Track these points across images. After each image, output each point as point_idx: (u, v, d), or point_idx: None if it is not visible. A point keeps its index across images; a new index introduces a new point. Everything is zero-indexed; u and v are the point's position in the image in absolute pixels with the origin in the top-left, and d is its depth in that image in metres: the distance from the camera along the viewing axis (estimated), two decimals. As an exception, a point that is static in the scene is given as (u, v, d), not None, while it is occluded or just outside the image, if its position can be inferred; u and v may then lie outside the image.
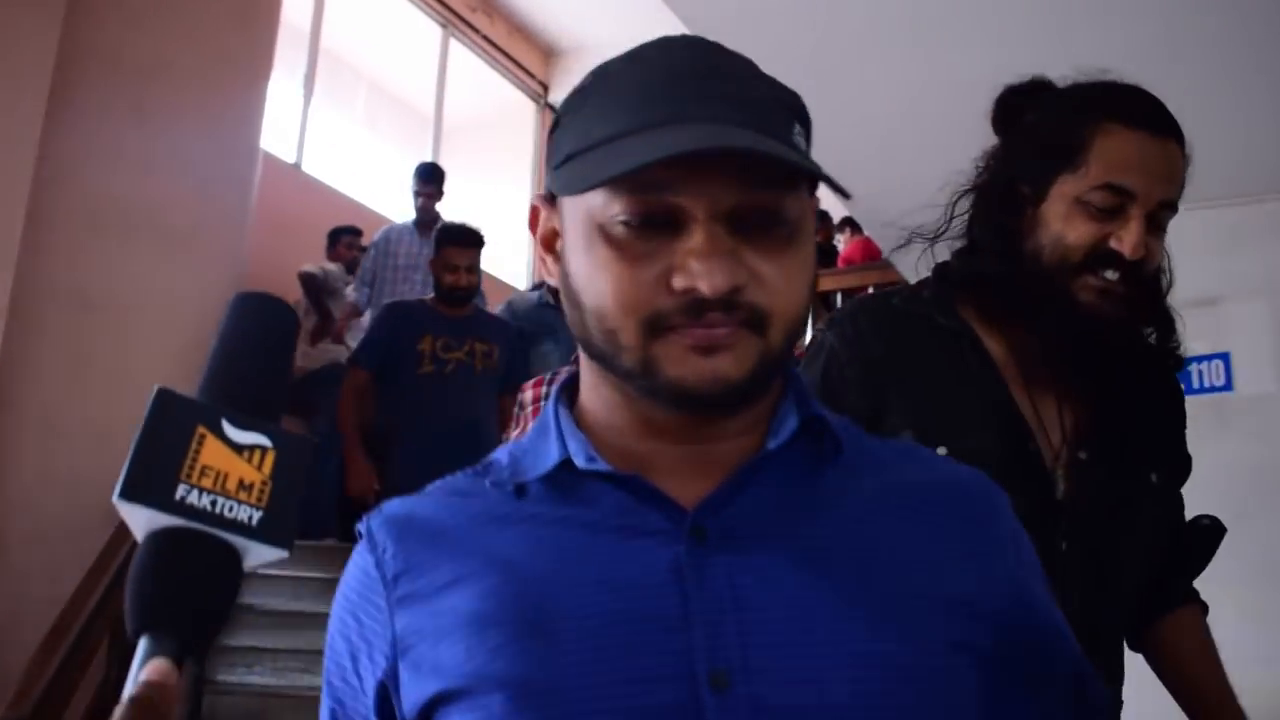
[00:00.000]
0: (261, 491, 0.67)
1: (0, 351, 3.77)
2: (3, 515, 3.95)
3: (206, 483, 0.66)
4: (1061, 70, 1.45)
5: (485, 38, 9.37)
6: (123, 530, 3.98)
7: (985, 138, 1.54)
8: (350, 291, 6.31)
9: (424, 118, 9.28)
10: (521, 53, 9.80)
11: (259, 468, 0.68)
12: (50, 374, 4.17)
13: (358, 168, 8.65)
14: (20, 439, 4.03)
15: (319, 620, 5.09)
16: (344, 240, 6.71)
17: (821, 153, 0.90)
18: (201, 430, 0.67)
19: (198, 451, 0.66)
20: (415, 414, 4.15)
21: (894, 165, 3.34)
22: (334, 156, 8.29)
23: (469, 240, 4.47)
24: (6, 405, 3.89)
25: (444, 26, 9.10)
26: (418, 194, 6.20)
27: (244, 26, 5.05)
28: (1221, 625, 3.09)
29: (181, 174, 4.66)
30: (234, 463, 0.67)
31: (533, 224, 0.94)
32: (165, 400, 0.67)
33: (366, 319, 5.79)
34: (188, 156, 4.70)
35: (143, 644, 0.63)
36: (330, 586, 4.19)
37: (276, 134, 7.47)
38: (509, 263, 9.40)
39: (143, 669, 0.62)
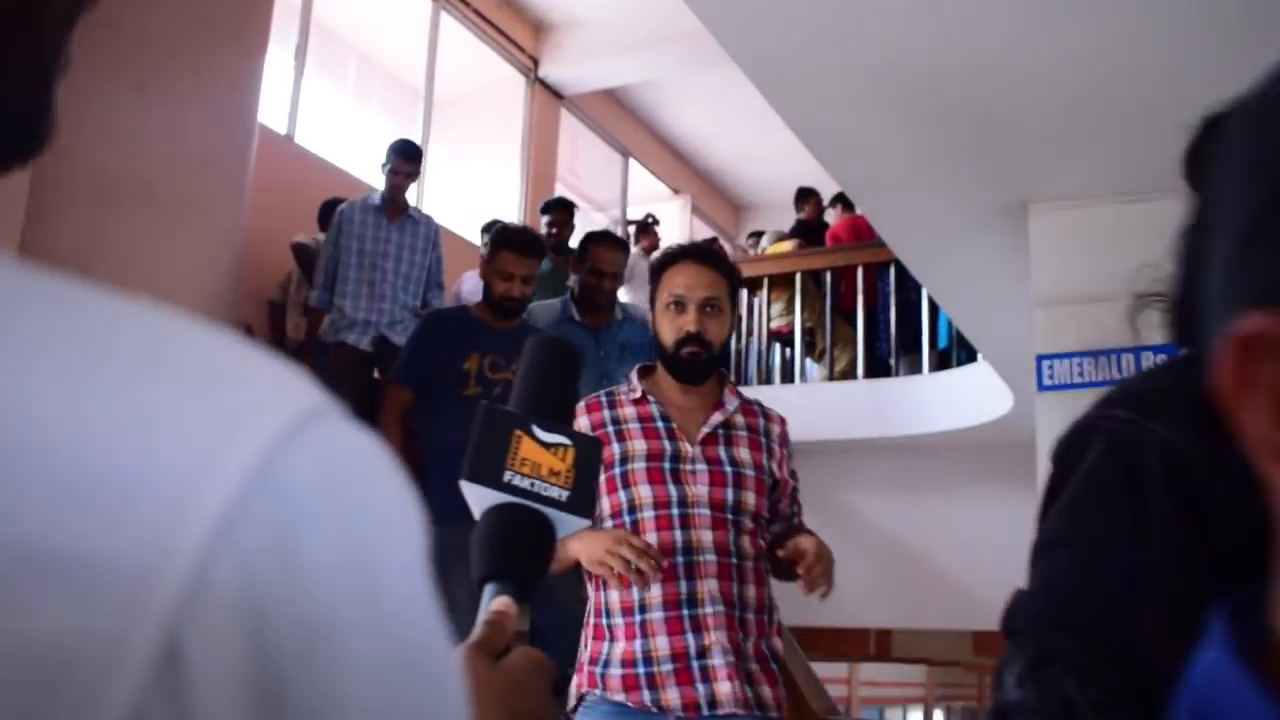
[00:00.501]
0: (567, 477, 0.88)
1: (3, 321, 3.80)
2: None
3: (526, 470, 0.87)
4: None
5: (476, 10, 9.37)
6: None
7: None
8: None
9: (414, 91, 9.30)
10: (512, 26, 9.81)
11: (563, 460, 0.89)
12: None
13: (349, 140, 8.67)
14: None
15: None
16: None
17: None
18: (518, 433, 0.88)
19: (517, 448, 0.88)
20: (456, 439, 3.99)
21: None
22: (326, 128, 8.30)
23: (531, 249, 4.17)
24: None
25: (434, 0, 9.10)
26: (395, 172, 5.63)
27: (238, 3, 5.06)
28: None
29: (180, 146, 4.68)
30: (545, 456, 0.88)
31: None
32: (491, 412, 0.89)
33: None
34: (186, 129, 4.72)
35: (488, 589, 0.85)
36: None
37: (269, 106, 7.49)
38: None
39: (491, 604, 0.84)
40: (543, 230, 6.35)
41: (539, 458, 0.88)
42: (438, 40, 9.22)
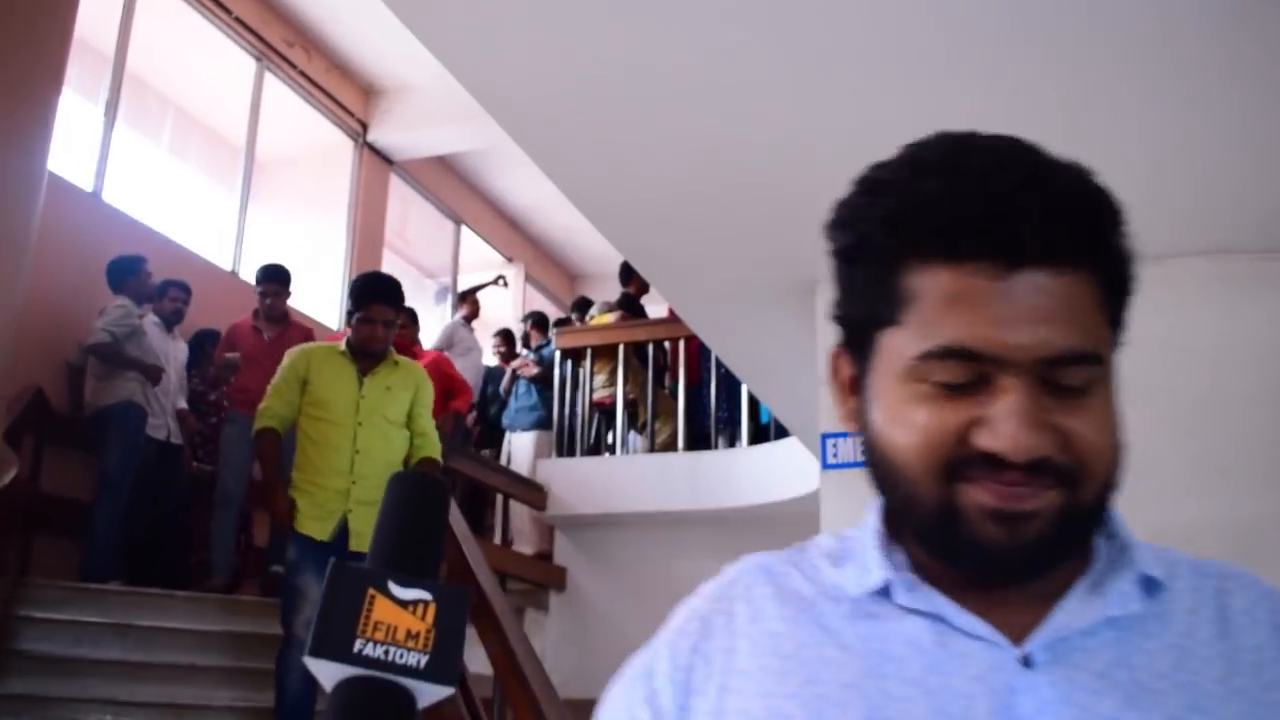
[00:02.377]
0: (426, 638, 0.80)
1: None
2: None
3: (379, 635, 0.79)
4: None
5: (302, 73, 9.23)
6: None
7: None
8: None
9: (236, 149, 9.08)
10: (340, 90, 9.69)
11: (422, 618, 0.80)
12: None
13: (163, 200, 8.40)
14: None
15: (96, 667, 4.92)
16: (171, 293, 6.78)
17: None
18: (372, 592, 0.80)
19: (370, 610, 0.80)
20: None
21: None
22: (138, 187, 8.03)
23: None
24: None
25: (258, 59, 8.93)
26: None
27: (30, 45, 4.85)
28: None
29: (-45, 198, 4.45)
30: (401, 616, 0.80)
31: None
32: (340, 571, 0.81)
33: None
34: (-38, 180, 4.49)
35: None
36: (111, 631, 4.05)
37: (74, 161, 7.21)
38: (319, 302, 9.24)
39: None
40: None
41: (395, 619, 0.80)
42: (261, 100, 9.04)
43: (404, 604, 0.81)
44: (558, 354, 8.44)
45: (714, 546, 7.57)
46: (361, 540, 4.16)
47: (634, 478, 7.76)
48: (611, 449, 8.25)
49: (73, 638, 5.22)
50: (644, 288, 8.86)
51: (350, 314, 4.58)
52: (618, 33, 2.57)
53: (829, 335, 2.89)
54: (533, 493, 7.89)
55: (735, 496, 7.22)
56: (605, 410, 8.34)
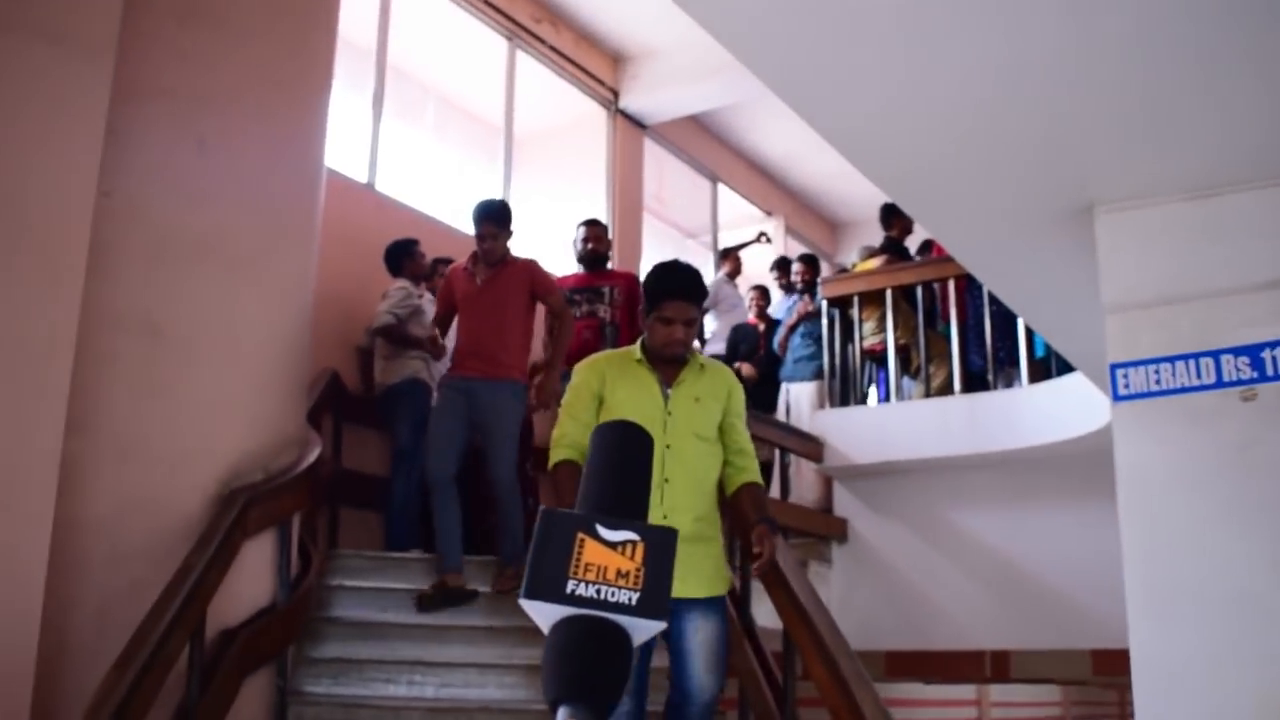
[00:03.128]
0: (636, 577, 0.82)
1: (72, 380, 3.86)
2: (85, 539, 4.05)
3: (590, 576, 0.82)
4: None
5: (552, 48, 9.41)
6: (199, 548, 4.06)
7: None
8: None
9: (494, 129, 9.35)
10: (590, 60, 9.83)
11: (631, 558, 0.83)
12: (122, 401, 4.27)
13: (430, 184, 8.74)
14: (96, 465, 4.13)
15: (403, 631, 5.19)
16: (441, 269, 6.83)
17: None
18: (581, 535, 0.83)
19: (580, 553, 0.82)
20: None
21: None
22: (407, 174, 8.39)
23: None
24: (81, 431, 3.99)
25: (509, 39, 9.15)
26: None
27: (300, 49, 5.11)
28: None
29: (244, 200, 4.74)
30: (611, 557, 0.83)
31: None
32: (549, 517, 0.84)
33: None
34: (249, 182, 4.78)
35: (560, 712, 0.80)
36: (414, 596, 4.35)
37: (348, 155, 7.59)
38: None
39: None
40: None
41: (605, 560, 0.83)
42: (515, 78, 9.27)
43: (613, 545, 0.83)
44: (824, 303, 8.32)
45: (998, 491, 7.35)
46: (686, 586, 3.54)
47: (911, 424, 7.59)
48: (886, 396, 8.09)
49: (379, 604, 5.53)
50: (907, 230, 8.63)
51: (646, 312, 3.89)
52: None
53: (1111, 258, 2.73)
54: (809, 444, 7.83)
55: (1018, 438, 6.96)
56: (877, 357, 8.18)
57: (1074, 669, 9.75)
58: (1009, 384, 7.48)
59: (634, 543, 0.83)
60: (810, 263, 9.26)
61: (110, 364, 4.21)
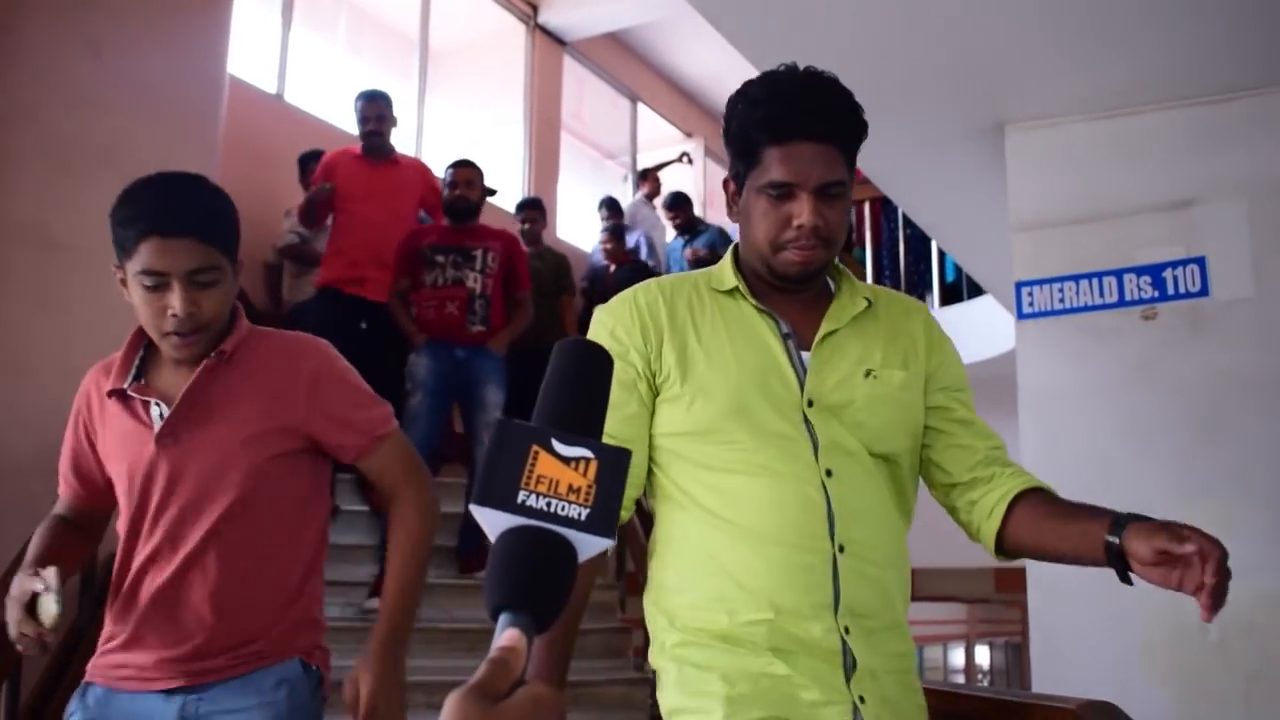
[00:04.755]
0: (587, 493, 0.82)
1: (-39, 292, 3.73)
2: (-25, 455, 3.93)
3: (542, 488, 0.82)
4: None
5: (469, -42, 9.18)
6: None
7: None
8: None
9: (409, 42, 9.13)
10: (505, -27, 9.61)
11: (584, 474, 0.83)
12: (17, 313, 4.14)
13: (341, 96, 8.53)
14: (-13, 379, 4.01)
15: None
16: (312, 167, 6.49)
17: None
18: (535, 448, 0.83)
19: (534, 465, 0.82)
20: None
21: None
22: (317, 85, 8.17)
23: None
24: (-29, 346, 3.85)
25: (425, -52, 8.91)
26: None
27: (201, -49, 4.93)
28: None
29: (143, 108, 4.58)
30: (564, 472, 0.83)
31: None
32: (506, 427, 0.84)
33: None
34: (148, 90, 4.61)
35: (501, 619, 0.80)
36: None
37: (256, 65, 7.37)
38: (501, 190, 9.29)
39: (500, 637, 0.78)
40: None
41: (557, 474, 0.83)
42: (431, -12, 9.05)
43: (566, 460, 0.83)
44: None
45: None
46: None
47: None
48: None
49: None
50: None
51: (736, 183, 2.85)
52: None
53: (1019, 177, 2.75)
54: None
55: (929, 359, 7.01)
56: (791, 279, 8.18)
57: (978, 587, 9.97)
58: (921, 307, 7.54)
59: (587, 460, 0.83)
60: (682, 204, 8.64)
61: (3, 276, 4.07)
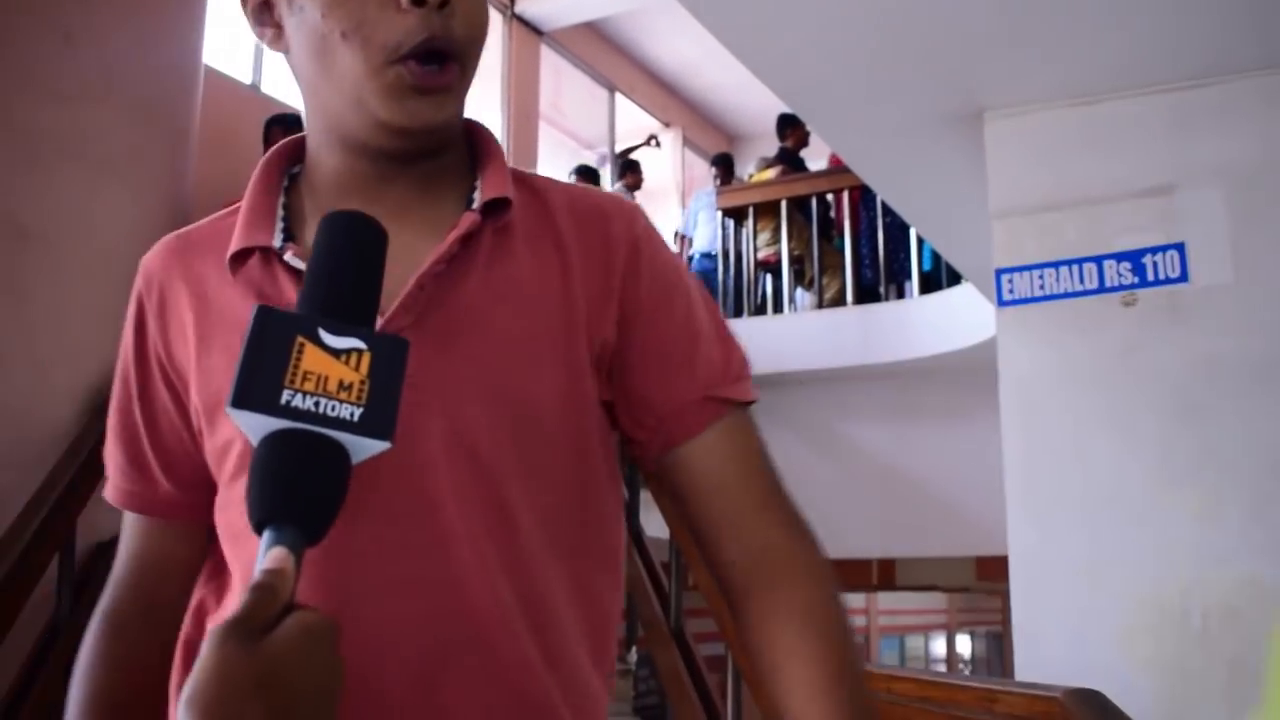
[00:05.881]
0: (360, 390, 0.73)
1: (-70, 284, 3.68)
2: (-54, 450, 3.88)
3: (309, 386, 0.72)
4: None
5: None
6: (69, 457, 3.92)
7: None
8: None
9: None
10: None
11: (356, 369, 0.73)
12: (-15, 305, 4.09)
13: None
14: (-42, 373, 3.95)
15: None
16: (276, 132, 6.27)
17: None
18: (300, 340, 0.73)
19: (299, 359, 0.72)
20: None
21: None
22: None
23: None
24: (-59, 339, 3.80)
25: (401, -63, 8.86)
26: None
27: (174, -61, 4.88)
28: (1173, 525, 3.06)
29: (114, 98, 4.53)
30: (333, 366, 0.73)
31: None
32: (265, 316, 0.74)
33: None
34: (120, 80, 4.57)
35: (265, 536, 0.70)
36: None
37: (232, 55, 7.30)
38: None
39: (264, 558, 0.69)
40: None
41: (326, 368, 0.73)
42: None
43: (336, 353, 0.74)
44: (719, 215, 8.28)
45: (887, 403, 7.44)
46: None
47: (803, 336, 7.63)
48: (780, 307, 8.11)
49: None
50: (802, 141, 8.61)
51: None
52: None
53: (998, 164, 2.72)
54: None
55: (908, 349, 7.03)
56: (770, 268, 8.18)
57: (958, 575, 9.99)
58: (900, 296, 7.54)
59: (360, 351, 0.74)
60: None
61: (-30, 266, 4.02)
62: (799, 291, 8.22)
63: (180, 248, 1.07)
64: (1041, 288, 3.33)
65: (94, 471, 3.95)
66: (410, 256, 0.94)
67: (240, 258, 0.99)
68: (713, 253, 8.50)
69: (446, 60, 0.94)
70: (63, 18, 4.37)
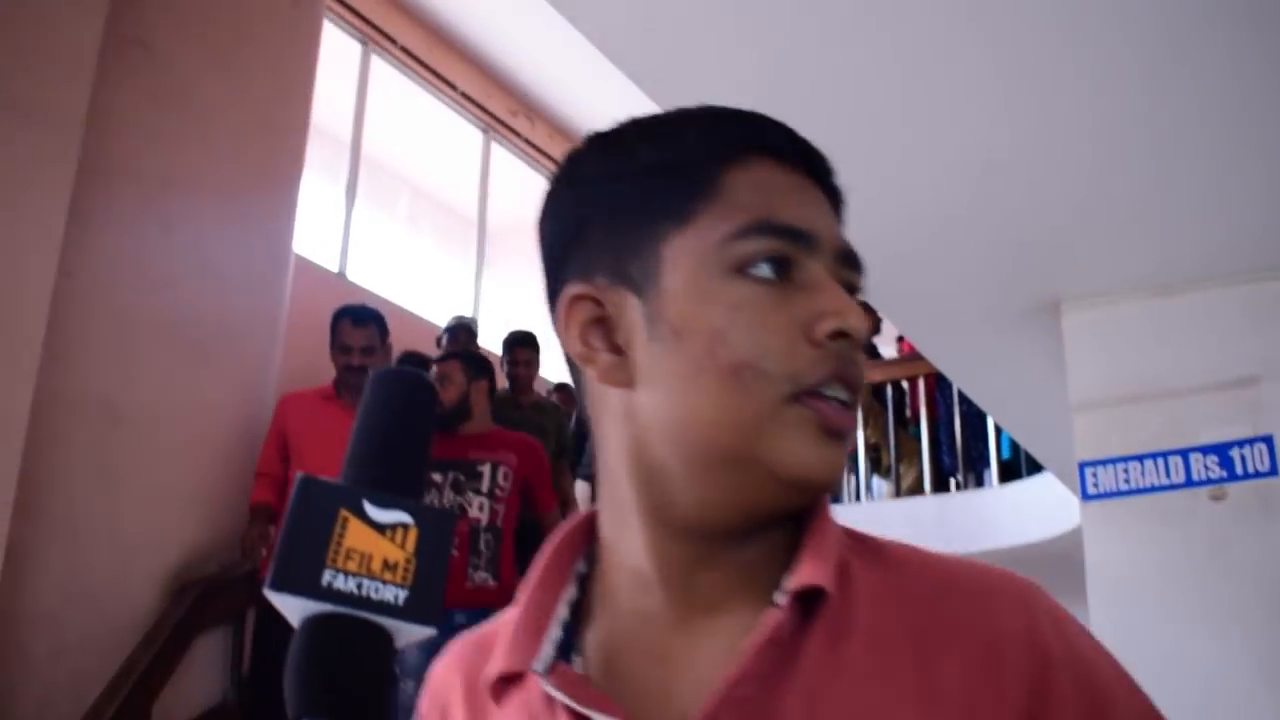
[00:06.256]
0: (406, 570, 0.68)
1: (24, 463, 3.76)
2: (28, 629, 3.91)
3: (352, 566, 0.67)
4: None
5: (526, 140, 9.47)
6: (147, 643, 3.93)
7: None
8: None
9: (468, 221, 9.36)
10: (563, 154, 9.86)
11: (402, 546, 0.69)
12: (77, 485, 4.16)
13: (402, 273, 8.73)
14: (46, 552, 4.01)
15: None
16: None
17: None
18: (344, 514, 0.69)
19: (342, 535, 0.68)
20: None
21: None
22: (378, 263, 8.37)
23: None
24: (32, 517, 3.87)
25: (485, 131, 9.21)
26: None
27: (271, 133, 5.11)
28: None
29: (208, 283, 4.69)
30: (378, 543, 0.68)
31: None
32: (308, 487, 0.69)
33: None
34: (214, 266, 4.73)
35: None
36: None
37: (320, 243, 7.56)
38: (557, 363, 9.38)
39: None
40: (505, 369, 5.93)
41: (370, 546, 0.68)
42: (489, 169, 9.32)
43: (381, 528, 0.69)
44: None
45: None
46: None
47: (880, 525, 7.47)
48: (855, 496, 8.03)
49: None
50: (875, 328, 8.65)
51: None
52: (836, 57, 2.48)
53: (1077, 355, 2.70)
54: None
55: (989, 539, 6.90)
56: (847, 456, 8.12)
57: None
58: (979, 484, 7.44)
59: (406, 527, 0.69)
60: None
61: (64, 447, 4.11)
62: (875, 480, 8.14)
63: (467, 652, 0.89)
64: (1126, 481, 3.27)
65: (170, 659, 3.96)
66: (718, 673, 0.73)
67: (506, 681, 0.79)
68: None
69: (852, 400, 0.77)
70: (163, 206, 4.57)
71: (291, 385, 5.68)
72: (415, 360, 6.47)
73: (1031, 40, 2.39)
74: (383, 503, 0.70)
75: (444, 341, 5.55)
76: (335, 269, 7.74)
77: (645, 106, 2.75)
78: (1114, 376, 3.38)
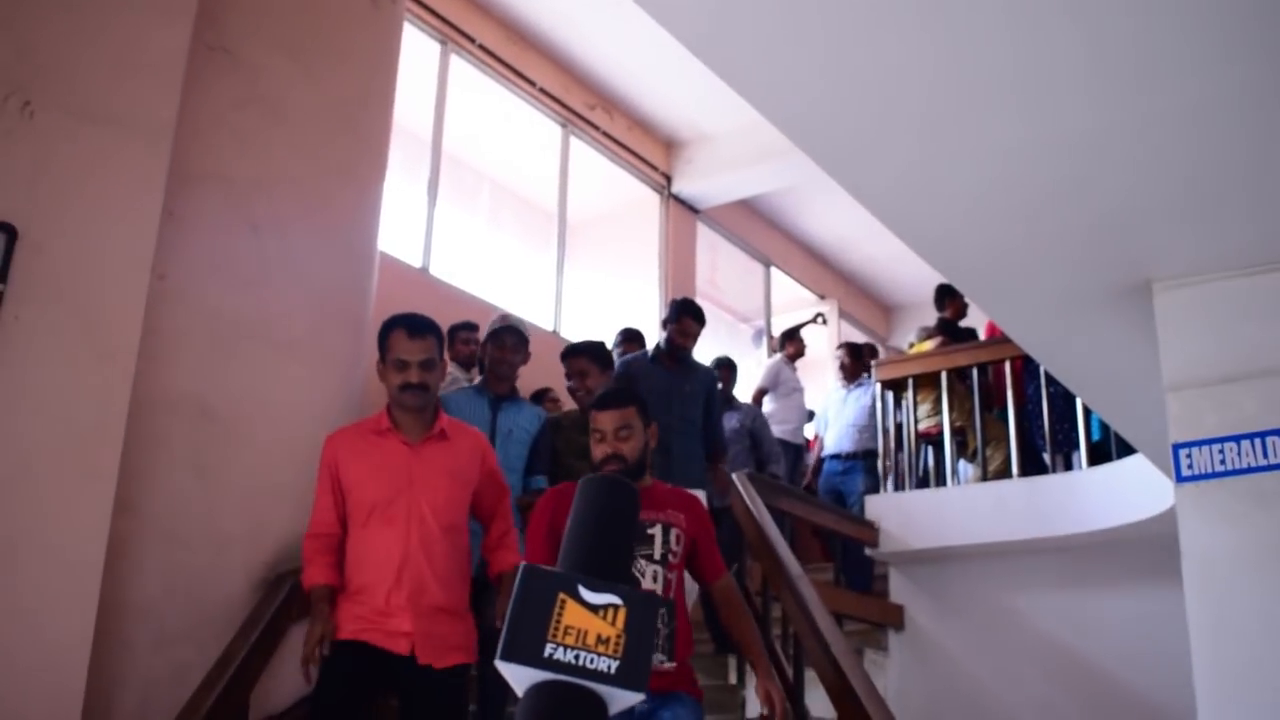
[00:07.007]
0: (617, 644, 0.80)
1: (122, 460, 3.87)
2: (130, 621, 4.03)
3: (570, 640, 0.79)
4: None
5: (605, 134, 9.50)
6: (243, 634, 4.02)
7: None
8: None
9: (548, 214, 9.42)
10: (642, 146, 9.91)
11: (613, 623, 0.80)
12: (173, 483, 4.27)
13: (484, 268, 8.81)
14: (144, 546, 4.12)
15: None
16: (460, 336, 6.76)
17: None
18: (563, 597, 0.80)
19: (560, 614, 0.79)
20: None
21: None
22: (460, 258, 8.46)
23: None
24: (130, 512, 3.99)
25: (564, 125, 9.26)
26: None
27: (354, 135, 5.19)
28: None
29: (296, 283, 4.78)
30: (592, 621, 0.80)
31: None
32: (531, 574, 0.81)
33: None
34: (302, 266, 4.82)
35: None
36: None
37: (403, 240, 7.67)
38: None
39: None
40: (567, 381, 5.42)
41: (585, 624, 0.80)
42: (569, 164, 9.37)
43: (594, 609, 0.80)
44: (878, 386, 8.23)
45: (1059, 577, 7.15)
46: None
47: (968, 509, 7.44)
48: (942, 480, 7.95)
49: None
50: (961, 311, 8.56)
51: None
52: (921, 41, 2.45)
53: (1170, 336, 2.65)
54: (863, 529, 7.70)
55: (1079, 522, 6.79)
56: (932, 440, 8.06)
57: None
58: (1067, 467, 7.32)
59: (616, 607, 0.80)
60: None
61: (160, 445, 4.22)
62: (961, 464, 8.05)
63: None
64: (1222, 463, 3.20)
65: (266, 649, 4.04)
66: None
67: None
68: (841, 453, 8.41)
69: None
70: (250, 209, 4.66)
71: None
72: (466, 327, 6.66)
73: (1124, 17, 2.35)
74: (596, 587, 0.81)
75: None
76: (419, 265, 7.84)
77: (724, 98, 2.74)
78: (1209, 356, 3.31)
